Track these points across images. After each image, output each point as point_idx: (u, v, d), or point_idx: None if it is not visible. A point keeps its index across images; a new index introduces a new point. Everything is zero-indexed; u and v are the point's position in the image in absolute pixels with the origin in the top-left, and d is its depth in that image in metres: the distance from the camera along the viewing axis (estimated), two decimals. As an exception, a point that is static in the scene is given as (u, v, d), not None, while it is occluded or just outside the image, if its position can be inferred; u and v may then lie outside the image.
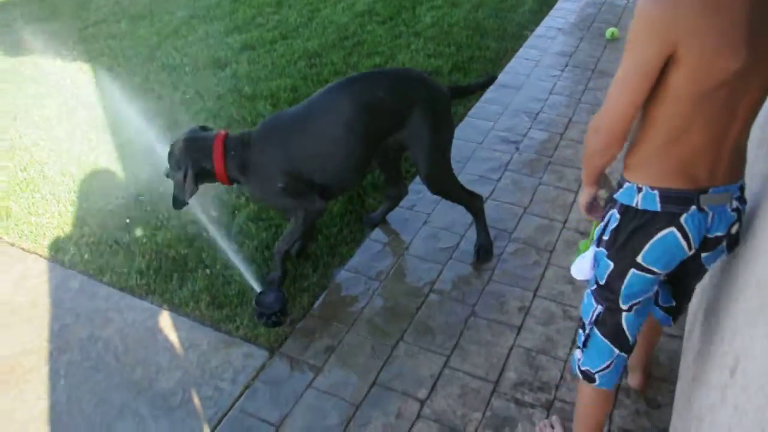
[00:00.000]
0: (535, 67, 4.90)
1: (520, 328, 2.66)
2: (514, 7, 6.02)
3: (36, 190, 3.70)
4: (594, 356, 1.83)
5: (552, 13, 5.98)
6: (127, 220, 3.39)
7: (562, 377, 2.44)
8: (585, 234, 3.13)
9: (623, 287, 1.70)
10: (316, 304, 2.83)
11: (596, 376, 1.85)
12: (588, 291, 1.84)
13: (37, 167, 3.91)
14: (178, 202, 2.80)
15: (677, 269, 1.69)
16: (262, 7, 6.25)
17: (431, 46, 5.20)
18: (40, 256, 3.23)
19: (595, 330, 1.81)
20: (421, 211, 3.35)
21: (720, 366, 1.58)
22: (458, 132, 3.97)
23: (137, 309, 2.87)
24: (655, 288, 1.74)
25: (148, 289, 2.95)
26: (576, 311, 2.71)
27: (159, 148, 3.94)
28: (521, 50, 5.19)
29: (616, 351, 1.80)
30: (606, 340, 1.80)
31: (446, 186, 2.93)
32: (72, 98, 4.68)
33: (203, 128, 2.83)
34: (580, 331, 1.88)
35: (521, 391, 2.40)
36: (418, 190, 3.49)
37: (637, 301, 1.73)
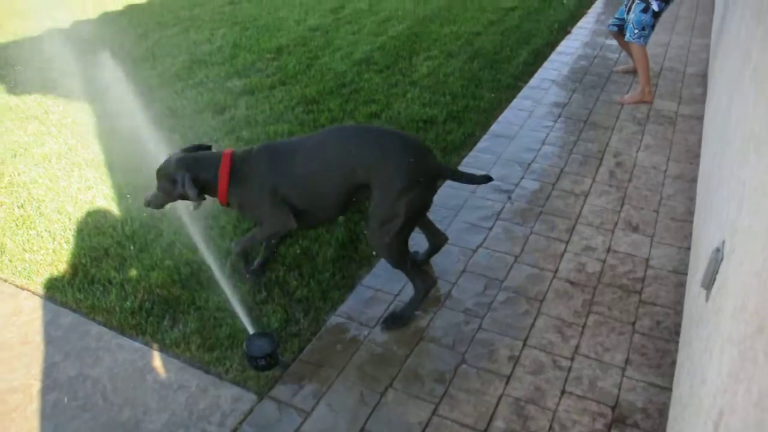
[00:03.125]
0: (529, 117, 5.01)
1: (509, 377, 2.67)
2: (508, 59, 6.17)
3: (32, 227, 3.72)
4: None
5: (546, 65, 6.13)
6: (121, 260, 3.40)
7: (550, 427, 2.44)
8: (575, 283, 3.18)
9: None
10: (307, 348, 2.83)
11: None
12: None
13: (35, 204, 3.94)
14: (153, 205, 3.04)
15: None
16: (262, 53, 6.38)
17: (427, 95, 5.32)
18: (33, 292, 3.23)
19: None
20: (414, 258, 3.38)
21: (705, 420, 1.60)
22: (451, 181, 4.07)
23: (127, 348, 2.87)
24: None
25: (139, 329, 2.95)
26: (565, 362, 2.72)
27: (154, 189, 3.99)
28: (515, 101, 5.30)
29: None
30: None
31: (389, 257, 2.89)
32: (72, 137, 4.74)
33: (198, 147, 3.04)
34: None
35: (509, 441, 2.40)
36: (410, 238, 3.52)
37: None
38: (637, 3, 5.16)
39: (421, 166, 2.73)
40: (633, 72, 5.85)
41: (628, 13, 5.29)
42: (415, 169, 2.70)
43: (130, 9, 8.30)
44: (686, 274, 3.23)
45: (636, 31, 5.18)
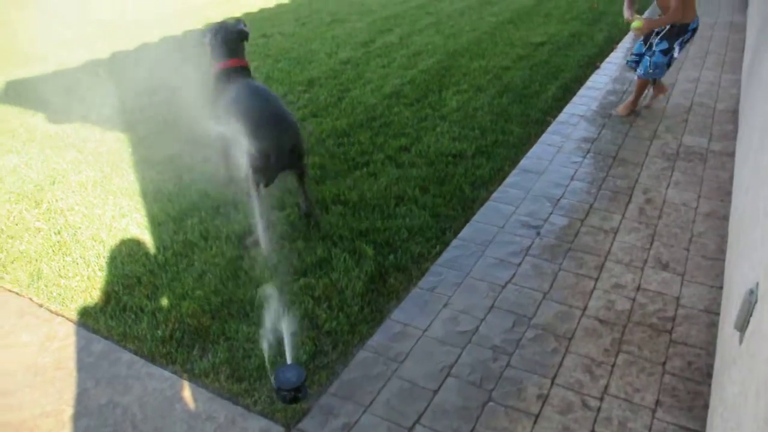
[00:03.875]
0: (558, 152, 5.02)
1: (537, 417, 2.65)
2: (537, 94, 6.20)
3: (68, 253, 3.81)
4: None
5: (574, 100, 6.15)
6: (153, 288, 3.46)
7: (578, 470, 2.41)
8: (604, 321, 3.15)
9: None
10: (335, 382, 2.84)
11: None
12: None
13: (71, 231, 4.03)
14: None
15: None
16: (294, 85, 6.50)
17: (456, 129, 5.36)
18: (67, 318, 3.29)
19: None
20: (442, 293, 3.39)
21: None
22: (480, 215, 4.09)
23: (157, 377, 2.90)
24: None
25: (170, 358, 2.99)
26: (594, 402, 2.70)
27: (186, 217, 4.07)
28: (544, 136, 5.32)
29: None
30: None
31: None
32: (107, 166, 4.86)
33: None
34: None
35: (537, 482, 2.37)
36: (438, 272, 3.54)
37: None
38: (659, 42, 5.24)
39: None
40: (658, 94, 5.97)
41: (646, 47, 5.40)
42: None
43: (166, 41, 8.51)
44: (718, 314, 3.19)
45: (651, 70, 5.35)
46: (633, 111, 5.80)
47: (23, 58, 7.82)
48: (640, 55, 5.50)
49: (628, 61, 5.73)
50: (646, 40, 5.48)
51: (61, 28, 9.30)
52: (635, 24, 5.22)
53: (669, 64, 5.36)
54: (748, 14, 8.54)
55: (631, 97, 5.82)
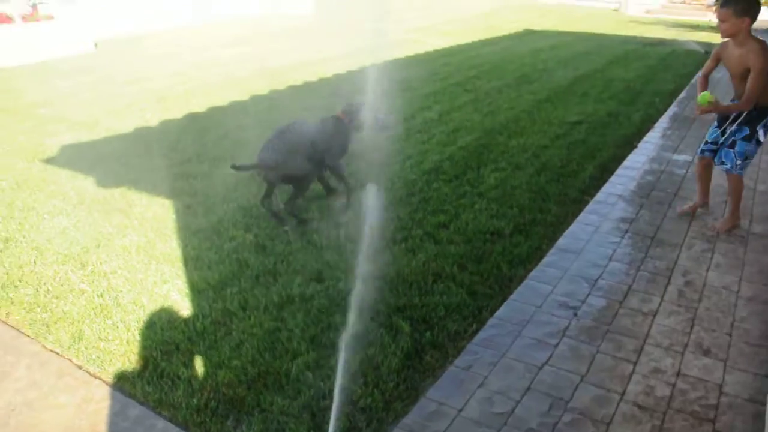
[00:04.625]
0: (595, 232, 5.01)
1: (574, 507, 2.57)
2: (575, 173, 6.24)
3: (108, 316, 3.89)
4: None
5: (612, 179, 6.16)
6: (190, 356, 3.50)
7: None
8: (643, 407, 3.08)
9: None
10: (368, 459, 2.81)
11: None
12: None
13: (113, 294, 4.13)
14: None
15: None
16: (336, 157, 6.65)
17: (494, 206, 5.41)
18: (104, 381, 3.34)
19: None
20: (478, 373, 3.36)
21: None
22: (517, 294, 4.09)
23: (191, 447, 2.91)
24: None
25: (204, 427, 3.00)
26: (634, 494, 2.61)
27: (226, 286, 4.14)
28: (581, 215, 5.32)
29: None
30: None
31: None
32: (151, 231, 5.00)
33: None
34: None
35: None
36: (474, 351, 3.52)
37: None
38: (737, 129, 4.74)
39: None
40: (697, 208, 5.42)
41: (723, 136, 4.88)
42: None
43: (213, 111, 8.84)
44: (765, 404, 3.09)
45: (739, 162, 4.76)
46: (735, 225, 5.07)
47: (75, 124, 8.18)
48: (716, 144, 4.98)
49: (702, 151, 5.13)
50: (720, 125, 4.92)
51: (114, 96, 9.74)
52: (705, 97, 4.54)
53: (754, 153, 4.78)
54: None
55: (729, 208, 5.09)
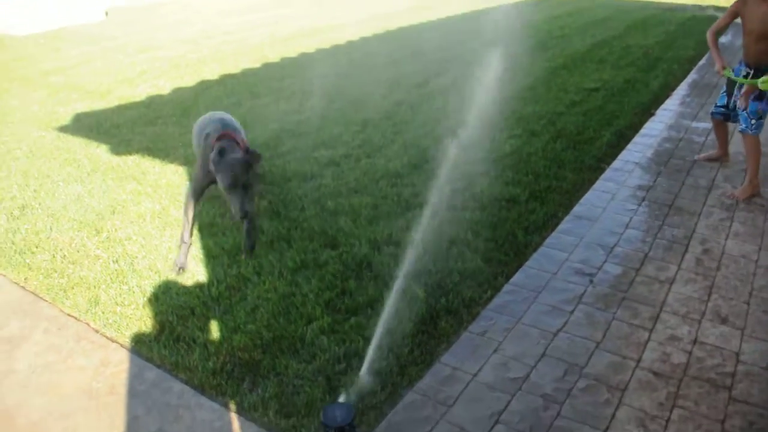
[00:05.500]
0: (612, 200, 4.95)
1: (589, 470, 2.58)
2: (591, 140, 6.16)
3: (124, 281, 3.91)
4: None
5: (629, 147, 6.08)
6: (205, 320, 3.52)
7: None
8: (659, 374, 3.07)
9: None
10: (382, 422, 2.82)
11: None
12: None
13: (128, 260, 4.14)
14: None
15: None
16: (349, 125, 6.61)
17: (510, 173, 5.36)
18: (121, 345, 3.37)
19: None
20: (493, 338, 3.35)
21: None
22: (533, 261, 4.06)
23: (207, 408, 2.93)
24: None
25: (219, 389, 3.02)
26: (649, 458, 2.61)
27: (240, 252, 4.14)
28: (598, 183, 5.27)
29: None
30: None
31: None
32: (166, 198, 5.00)
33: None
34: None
35: None
36: (489, 317, 3.51)
37: None
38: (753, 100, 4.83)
39: None
40: (715, 160, 5.67)
41: (731, 100, 5.04)
42: None
43: (225, 78, 8.79)
44: (782, 373, 3.07)
45: (753, 121, 4.86)
46: (755, 194, 5.01)
47: (88, 92, 8.17)
48: (726, 107, 5.19)
49: (712, 113, 5.41)
50: (729, 93, 5.14)
51: (126, 64, 9.71)
52: (766, 79, 4.55)
53: (767, 111, 4.85)
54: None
55: (748, 175, 5.04)
